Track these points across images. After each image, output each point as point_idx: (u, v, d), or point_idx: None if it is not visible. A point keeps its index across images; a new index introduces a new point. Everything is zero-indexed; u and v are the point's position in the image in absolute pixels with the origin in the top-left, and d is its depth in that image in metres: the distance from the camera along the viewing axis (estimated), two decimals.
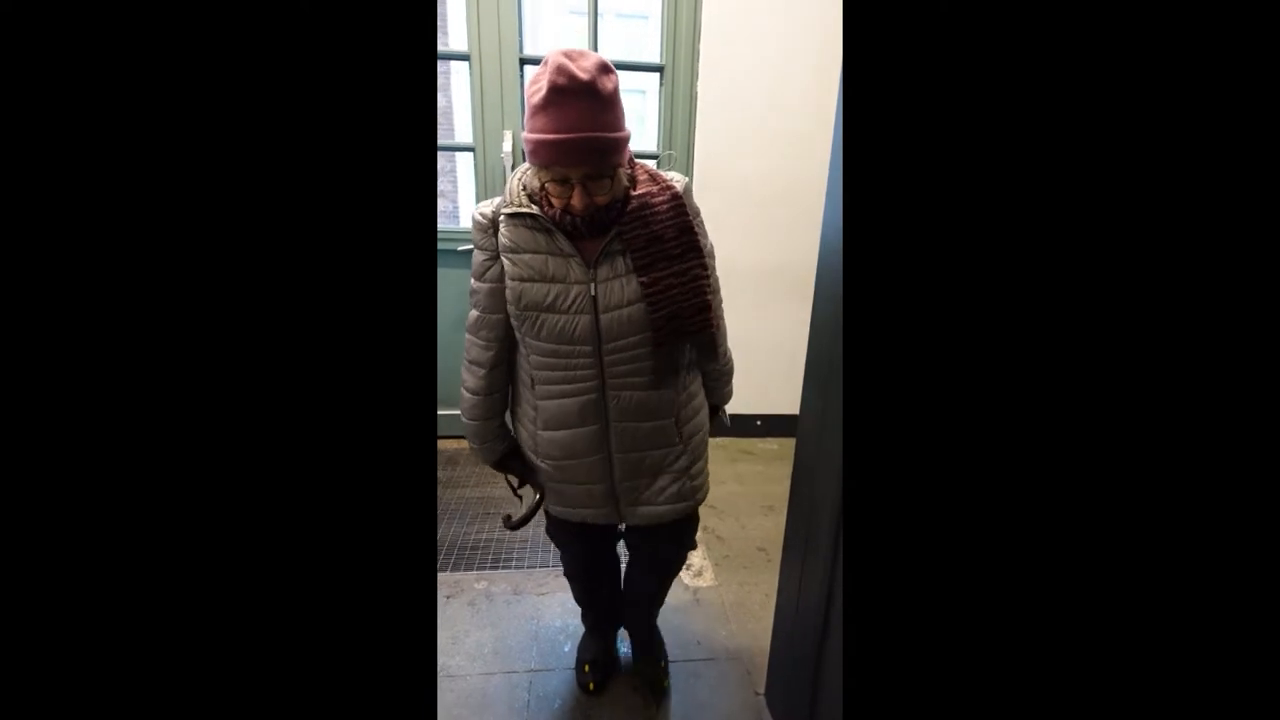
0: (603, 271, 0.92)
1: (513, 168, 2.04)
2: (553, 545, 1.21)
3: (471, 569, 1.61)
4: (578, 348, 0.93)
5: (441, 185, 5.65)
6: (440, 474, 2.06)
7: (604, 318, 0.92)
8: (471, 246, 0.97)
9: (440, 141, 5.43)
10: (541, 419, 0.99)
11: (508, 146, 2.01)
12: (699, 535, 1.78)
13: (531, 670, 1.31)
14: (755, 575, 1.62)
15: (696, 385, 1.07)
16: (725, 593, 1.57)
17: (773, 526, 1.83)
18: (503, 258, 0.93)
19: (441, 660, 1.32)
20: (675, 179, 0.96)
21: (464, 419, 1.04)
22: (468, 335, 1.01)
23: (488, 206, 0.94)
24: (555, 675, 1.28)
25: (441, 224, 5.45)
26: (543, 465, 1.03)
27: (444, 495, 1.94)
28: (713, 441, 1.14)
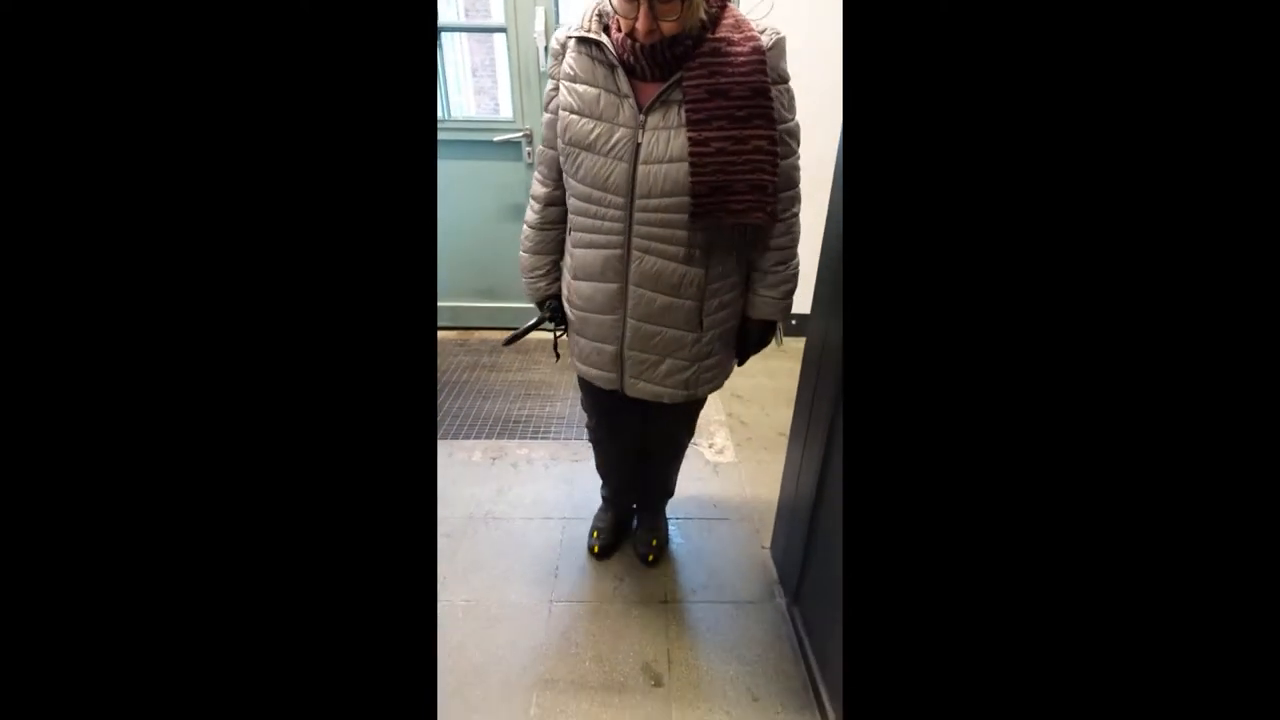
0: (653, 119, 0.83)
1: (545, 49, 1.98)
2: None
3: (514, 438, 1.81)
4: (609, 196, 0.87)
5: (481, 81, 5.42)
6: (486, 360, 2.23)
7: (641, 169, 0.84)
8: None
9: (474, 22, 5.13)
10: (573, 266, 0.98)
11: (540, 25, 1.94)
12: (724, 419, 1.91)
13: (565, 518, 1.51)
14: (772, 455, 1.75)
15: (738, 278, 0.97)
16: (743, 468, 1.71)
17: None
18: (560, 85, 0.88)
19: (488, 508, 1.53)
20: (767, 32, 0.83)
21: (520, 251, 1.07)
22: (534, 170, 1.02)
23: (563, 32, 0.89)
24: (586, 523, 1.47)
25: (480, 114, 5.32)
26: (571, 315, 1.04)
27: (490, 378, 2.12)
28: None
